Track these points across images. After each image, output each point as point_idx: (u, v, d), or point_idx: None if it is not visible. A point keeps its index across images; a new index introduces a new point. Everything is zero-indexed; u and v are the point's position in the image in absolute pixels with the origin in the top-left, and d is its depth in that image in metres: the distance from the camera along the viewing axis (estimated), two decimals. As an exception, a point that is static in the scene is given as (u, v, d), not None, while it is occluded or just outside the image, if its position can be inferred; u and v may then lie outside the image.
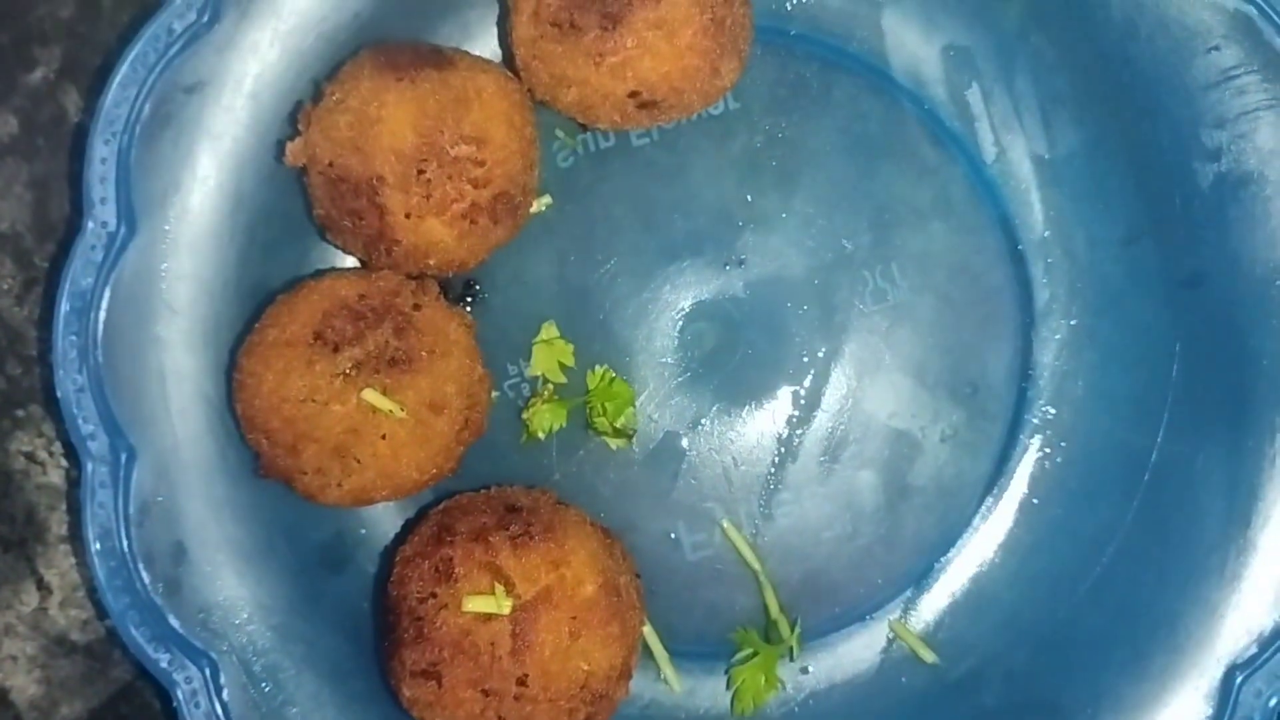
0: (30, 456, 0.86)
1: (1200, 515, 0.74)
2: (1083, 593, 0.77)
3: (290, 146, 0.73)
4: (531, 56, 0.74)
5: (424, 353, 0.72)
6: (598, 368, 0.80)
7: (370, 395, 0.69)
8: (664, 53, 0.72)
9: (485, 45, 0.81)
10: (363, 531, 0.80)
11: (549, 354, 0.80)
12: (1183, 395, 0.76)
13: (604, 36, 0.71)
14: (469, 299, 0.82)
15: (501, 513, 0.72)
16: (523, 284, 0.81)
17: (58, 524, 0.85)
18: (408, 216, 0.71)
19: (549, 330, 0.80)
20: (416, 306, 0.73)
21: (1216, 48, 0.73)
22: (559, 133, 0.81)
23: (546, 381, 0.80)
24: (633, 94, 0.73)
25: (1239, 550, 0.73)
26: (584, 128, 0.80)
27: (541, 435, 0.80)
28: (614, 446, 0.80)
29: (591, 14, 0.71)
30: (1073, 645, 0.76)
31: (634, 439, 0.80)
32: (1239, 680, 0.71)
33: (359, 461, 0.71)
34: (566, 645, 0.69)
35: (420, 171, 0.71)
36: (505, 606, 0.68)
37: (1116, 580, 0.76)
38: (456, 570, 0.69)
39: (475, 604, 0.68)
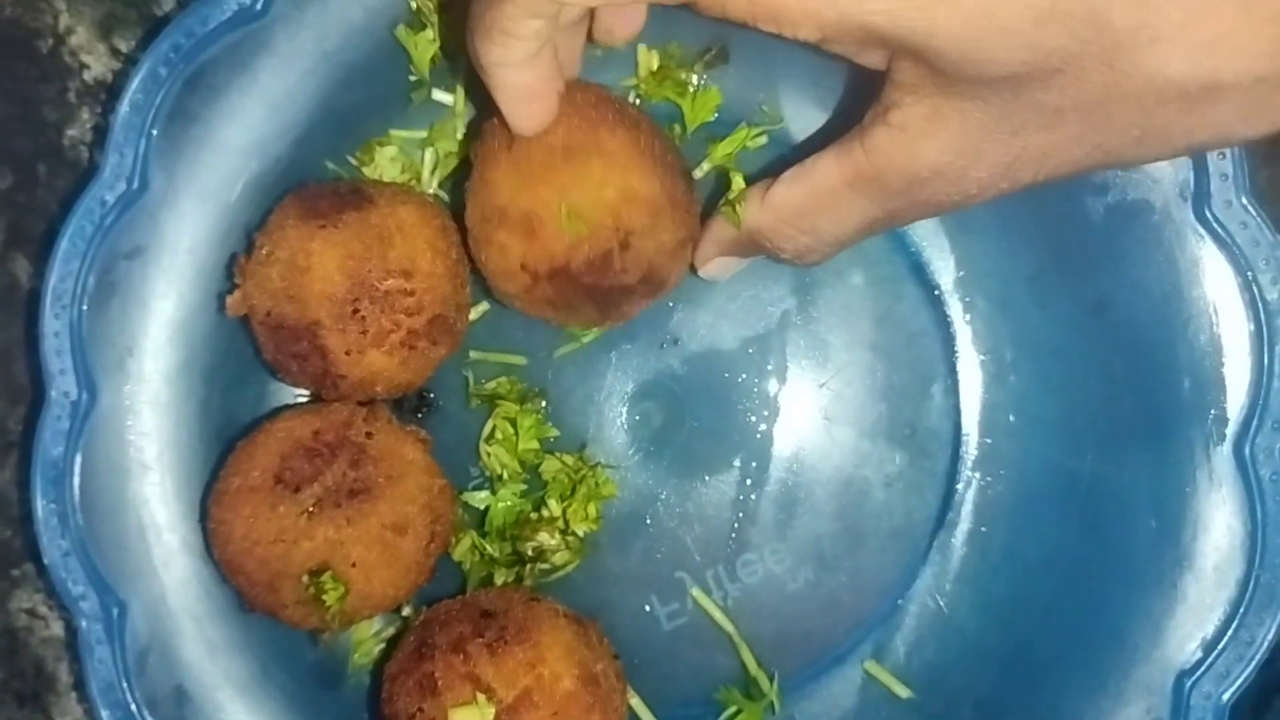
0: (31, 613, 0.89)
1: (1134, 531, 0.77)
2: (1037, 614, 0.80)
3: (229, 300, 0.77)
4: None
5: (381, 479, 0.75)
6: (553, 458, 0.84)
7: (460, 715, 0.71)
8: None
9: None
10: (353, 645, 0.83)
11: (506, 452, 0.84)
12: (1104, 417, 0.79)
13: None
14: (424, 408, 0.85)
15: (476, 620, 0.75)
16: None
17: (65, 673, 0.89)
18: (348, 353, 0.75)
19: (504, 429, 0.84)
20: (369, 435, 0.76)
21: (1090, 87, 0.76)
22: (487, 240, 0.85)
23: (506, 479, 0.84)
24: None
25: (1173, 562, 0.76)
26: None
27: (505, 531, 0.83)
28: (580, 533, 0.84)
29: None
30: (1034, 667, 0.80)
31: (598, 523, 0.84)
32: (1188, 685, 0.75)
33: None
34: (552, 741, 0.72)
35: (354, 310, 0.74)
36: (488, 714, 0.71)
37: (1066, 599, 0.79)
38: (439, 684, 0.72)
39: (460, 716, 0.71)
